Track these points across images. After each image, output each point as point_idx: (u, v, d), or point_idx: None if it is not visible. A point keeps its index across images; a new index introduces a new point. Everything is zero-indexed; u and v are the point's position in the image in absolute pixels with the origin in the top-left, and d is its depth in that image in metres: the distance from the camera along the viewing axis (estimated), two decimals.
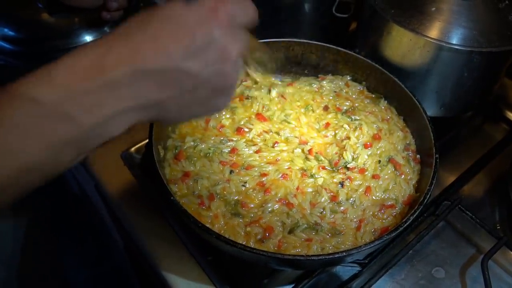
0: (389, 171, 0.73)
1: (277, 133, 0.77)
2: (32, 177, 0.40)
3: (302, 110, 0.81)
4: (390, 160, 0.74)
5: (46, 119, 0.38)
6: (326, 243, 0.64)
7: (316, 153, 0.75)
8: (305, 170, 0.73)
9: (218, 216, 0.66)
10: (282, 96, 0.82)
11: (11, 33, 0.97)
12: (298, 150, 0.75)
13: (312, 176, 0.72)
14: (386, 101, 0.83)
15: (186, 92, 0.43)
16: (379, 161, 0.74)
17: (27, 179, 0.40)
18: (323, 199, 0.69)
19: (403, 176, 0.73)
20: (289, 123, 0.78)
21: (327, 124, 0.79)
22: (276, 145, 0.75)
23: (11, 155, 0.38)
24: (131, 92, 0.40)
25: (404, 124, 0.81)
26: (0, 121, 0.37)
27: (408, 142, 0.78)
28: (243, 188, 0.69)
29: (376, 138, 0.76)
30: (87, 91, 0.38)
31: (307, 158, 0.74)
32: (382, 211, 0.69)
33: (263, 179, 0.71)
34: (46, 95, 0.38)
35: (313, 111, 0.81)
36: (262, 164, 0.73)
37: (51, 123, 0.38)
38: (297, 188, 0.70)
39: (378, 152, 0.75)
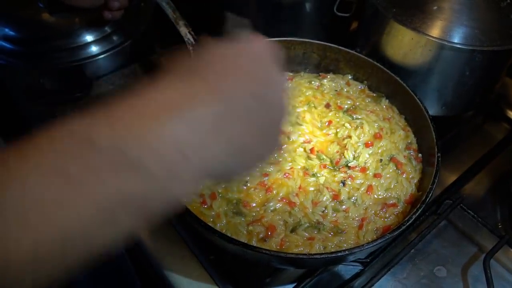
0: (390, 170, 0.73)
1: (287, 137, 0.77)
2: (74, 252, 0.31)
3: (305, 107, 0.81)
4: (392, 159, 0.74)
5: (110, 167, 0.31)
6: (328, 241, 0.64)
7: (318, 151, 0.75)
8: (307, 169, 0.73)
9: (220, 215, 0.66)
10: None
11: (11, 32, 0.97)
12: (301, 149, 0.75)
13: (314, 175, 0.72)
14: (387, 100, 0.83)
15: (260, 128, 0.40)
16: (381, 160, 0.74)
17: (68, 254, 0.31)
18: (325, 198, 0.69)
19: (404, 175, 0.73)
20: (300, 125, 0.78)
21: (330, 122, 0.79)
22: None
23: (56, 217, 0.29)
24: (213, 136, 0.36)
25: (406, 123, 0.81)
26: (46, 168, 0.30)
27: (409, 141, 0.78)
28: (244, 187, 0.69)
29: (377, 137, 0.76)
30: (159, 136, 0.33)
31: (308, 157, 0.74)
32: (384, 210, 0.69)
33: (264, 178, 0.71)
34: (107, 139, 0.31)
35: (315, 107, 0.81)
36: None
37: (115, 172, 0.31)
38: (299, 187, 0.70)
39: (380, 151, 0.75)
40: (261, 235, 0.64)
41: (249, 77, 0.39)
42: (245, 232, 0.65)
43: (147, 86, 0.36)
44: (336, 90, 0.85)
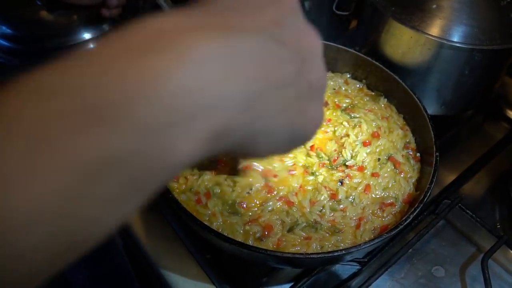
0: (388, 169, 0.72)
1: None
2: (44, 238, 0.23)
3: None
4: (390, 158, 0.73)
5: (81, 120, 0.23)
6: (325, 241, 0.64)
7: (317, 149, 0.74)
8: (307, 167, 0.72)
9: (216, 214, 0.65)
10: None
11: (9, 31, 0.97)
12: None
13: (313, 173, 0.72)
14: (386, 99, 0.83)
15: (289, 81, 0.32)
16: (378, 159, 0.73)
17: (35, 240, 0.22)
18: (322, 197, 0.69)
19: (402, 175, 0.72)
20: None
21: (329, 120, 0.79)
22: None
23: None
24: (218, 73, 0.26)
25: (404, 122, 0.80)
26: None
27: (408, 140, 0.78)
28: (247, 194, 0.68)
29: (375, 136, 0.76)
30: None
31: (308, 155, 0.74)
32: (382, 209, 0.68)
33: (274, 179, 0.70)
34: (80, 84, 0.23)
35: None
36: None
37: (90, 127, 0.23)
38: (300, 186, 0.70)
39: (377, 150, 0.74)
40: (258, 235, 0.64)
41: (264, 10, 0.32)
42: (241, 231, 0.64)
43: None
44: (334, 89, 0.85)
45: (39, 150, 0.22)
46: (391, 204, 0.69)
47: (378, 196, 0.70)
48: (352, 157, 0.73)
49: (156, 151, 0.24)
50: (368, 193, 0.70)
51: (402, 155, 0.74)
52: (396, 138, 0.76)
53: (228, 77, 0.27)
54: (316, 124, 0.37)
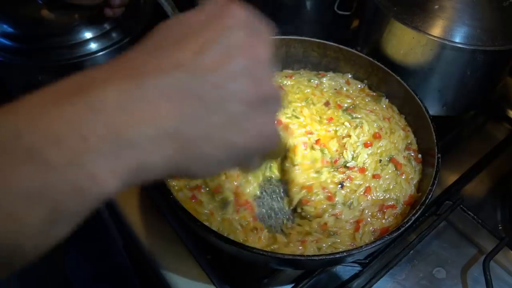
0: (389, 171, 0.72)
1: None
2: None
3: (303, 103, 0.80)
4: (391, 159, 0.73)
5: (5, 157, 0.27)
6: (322, 242, 0.64)
7: (321, 145, 0.74)
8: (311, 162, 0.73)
9: (214, 213, 0.65)
10: (281, 87, 0.82)
11: (10, 29, 0.96)
12: (305, 138, 0.75)
13: (318, 171, 0.71)
14: (387, 100, 0.83)
15: (212, 108, 0.32)
16: (380, 161, 0.73)
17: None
18: (318, 197, 0.69)
19: (404, 176, 0.72)
20: (297, 118, 0.78)
21: (330, 119, 0.78)
22: None
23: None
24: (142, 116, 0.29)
25: (406, 123, 0.80)
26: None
27: (409, 141, 0.77)
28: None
29: (376, 137, 0.75)
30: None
31: (312, 148, 0.74)
32: (382, 211, 0.68)
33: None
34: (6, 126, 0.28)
35: (313, 104, 0.81)
36: None
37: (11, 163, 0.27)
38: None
39: (379, 151, 0.74)
40: (255, 230, 0.64)
41: (190, 41, 0.32)
42: (240, 228, 0.64)
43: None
44: (335, 89, 0.85)
45: None
46: (392, 206, 0.68)
47: (379, 198, 0.70)
48: (353, 158, 0.73)
49: (70, 186, 0.28)
50: (368, 195, 0.69)
51: (404, 157, 0.74)
52: (397, 139, 0.76)
53: (135, 117, 0.29)
54: (263, 135, 0.36)
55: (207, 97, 0.31)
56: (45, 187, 0.27)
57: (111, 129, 0.28)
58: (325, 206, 0.68)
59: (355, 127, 0.76)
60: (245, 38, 0.33)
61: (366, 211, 0.68)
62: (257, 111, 0.34)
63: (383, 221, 0.67)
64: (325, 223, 0.67)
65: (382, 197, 0.70)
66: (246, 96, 0.33)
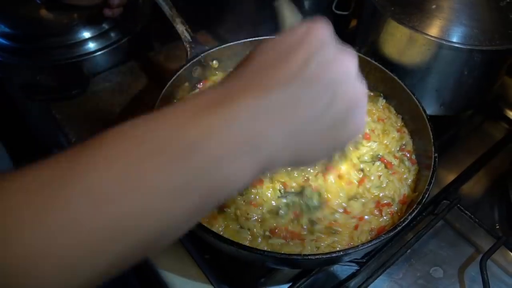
0: (379, 168, 0.73)
1: None
2: (127, 243, 0.33)
3: None
4: (380, 158, 0.74)
5: (167, 153, 0.33)
6: (321, 242, 0.64)
7: None
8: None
9: (216, 216, 0.65)
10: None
11: (9, 29, 0.97)
12: None
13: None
14: (384, 100, 0.83)
15: (323, 111, 0.38)
16: (365, 159, 0.74)
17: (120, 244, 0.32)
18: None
19: (396, 176, 0.72)
20: None
21: None
22: None
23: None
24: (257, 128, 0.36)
25: (402, 124, 0.80)
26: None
27: (404, 142, 0.77)
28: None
29: (365, 138, 0.76)
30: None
31: None
32: (379, 209, 0.68)
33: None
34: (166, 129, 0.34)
35: None
36: None
37: (173, 159, 0.33)
38: None
39: (364, 151, 0.74)
40: (267, 233, 0.64)
41: (302, 60, 0.38)
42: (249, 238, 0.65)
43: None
44: None
45: (132, 173, 0.32)
46: (388, 205, 0.69)
47: (374, 194, 0.70)
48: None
49: (215, 178, 0.35)
50: (361, 186, 0.70)
51: (396, 157, 0.74)
52: (391, 140, 0.76)
53: (265, 124, 0.36)
54: (357, 130, 0.43)
55: (318, 102, 0.38)
56: (194, 182, 0.33)
57: (245, 136, 0.35)
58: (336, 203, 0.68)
59: None
60: (335, 53, 0.40)
61: (365, 207, 0.68)
62: (355, 111, 0.41)
63: (380, 219, 0.67)
64: (335, 221, 0.67)
65: (377, 193, 0.70)
66: (347, 98, 0.40)
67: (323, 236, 0.64)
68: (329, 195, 0.69)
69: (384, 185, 0.71)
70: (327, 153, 0.44)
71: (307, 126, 0.38)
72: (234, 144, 0.34)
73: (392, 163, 0.73)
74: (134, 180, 0.31)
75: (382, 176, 0.72)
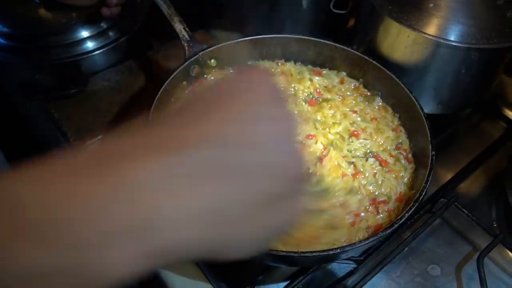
0: (374, 166, 0.73)
1: None
2: None
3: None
4: (374, 156, 0.74)
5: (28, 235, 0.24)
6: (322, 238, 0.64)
7: None
8: None
9: None
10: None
11: (7, 28, 0.97)
12: None
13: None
14: (381, 100, 0.83)
15: (253, 185, 0.29)
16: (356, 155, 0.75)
17: None
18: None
19: (393, 174, 0.73)
20: None
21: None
22: None
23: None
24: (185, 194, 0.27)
25: (399, 123, 0.80)
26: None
27: (400, 141, 0.78)
28: None
29: (353, 135, 0.77)
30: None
31: None
32: (375, 206, 0.68)
33: None
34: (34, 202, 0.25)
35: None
36: None
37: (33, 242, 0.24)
38: None
39: (352, 149, 0.75)
40: None
41: (244, 115, 0.30)
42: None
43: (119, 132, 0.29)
44: (325, 86, 0.85)
45: None
46: (384, 202, 0.69)
47: (370, 191, 0.70)
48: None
49: (87, 267, 0.25)
50: (356, 180, 0.71)
51: (392, 155, 0.75)
52: (385, 139, 0.77)
53: (163, 197, 0.26)
54: (294, 215, 0.34)
55: (250, 173, 0.29)
56: (57, 274, 0.25)
57: (130, 216, 0.26)
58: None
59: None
60: (275, 114, 0.32)
61: (360, 204, 0.68)
62: (293, 191, 0.32)
63: (377, 217, 0.68)
64: (334, 216, 0.66)
65: (372, 190, 0.70)
66: (284, 174, 0.31)
67: (323, 231, 0.65)
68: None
69: (380, 182, 0.71)
70: (255, 244, 0.33)
71: (225, 205, 0.28)
72: (112, 226, 0.25)
73: (388, 161, 0.74)
74: None
75: (377, 174, 0.72)
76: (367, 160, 0.74)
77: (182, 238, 0.27)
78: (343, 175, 0.71)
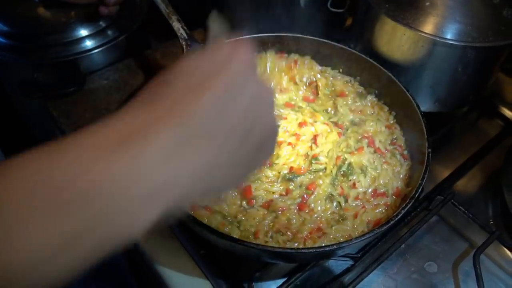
0: (368, 152, 0.75)
1: None
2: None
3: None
4: (369, 142, 0.76)
5: (58, 202, 0.30)
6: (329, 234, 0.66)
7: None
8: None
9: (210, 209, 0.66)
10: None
11: (6, 27, 0.97)
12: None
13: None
14: (372, 96, 0.84)
15: (240, 139, 0.37)
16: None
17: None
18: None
19: (389, 166, 0.74)
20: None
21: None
22: None
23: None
24: (175, 159, 0.33)
25: (394, 120, 0.81)
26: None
27: (395, 137, 0.78)
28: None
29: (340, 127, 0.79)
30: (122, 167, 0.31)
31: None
32: (376, 196, 0.70)
33: None
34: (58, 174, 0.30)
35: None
36: None
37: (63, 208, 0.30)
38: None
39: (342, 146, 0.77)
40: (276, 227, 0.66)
41: (222, 89, 0.35)
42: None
43: (106, 118, 0.34)
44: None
45: (24, 221, 0.29)
46: (383, 194, 0.70)
47: (372, 176, 0.72)
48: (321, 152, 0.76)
49: (118, 224, 0.32)
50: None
51: (387, 149, 0.76)
52: (377, 133, 0.78)
53: (177, 162, 0.33)
54: (269, 154, 0.44)
55: (235, 134, 0.37)
56: (88, 232, 0.30)
57: (153, 182, 0.32)
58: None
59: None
60: (256, 84, 0.39)
61: (363, 196, 0.70)
62: (269, 139, 0.42)
63: (376, 211, 0.68)
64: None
65: (373, 176, 0.72)
66: (264, 130, 0.40)
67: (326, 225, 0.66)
68: None
69: (379, 170, 0.72)
70: (241, 179, 0.44)
71: (222, 159, 0.36)
72: (138, 190, 0.31)
73: (382, 150, 0.76)
74: (20, 229, 0.29)
75: (375, 161, 0.74)
76: (361, 142, 0.76)
77: (190, 190, 0.35)
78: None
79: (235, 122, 0.36)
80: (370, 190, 0.71)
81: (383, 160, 0.74)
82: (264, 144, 0.41)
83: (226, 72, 0.36)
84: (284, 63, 0.85)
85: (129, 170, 0.31)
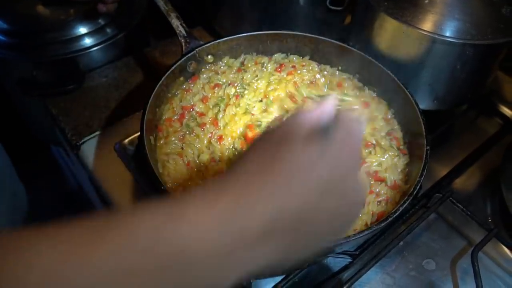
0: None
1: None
2: None
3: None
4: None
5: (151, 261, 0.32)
6: None
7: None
8: None
9: None
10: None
11: (5, 25, 0.97)
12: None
13: None
14: (367, 88, 0.84)
15: (314, 232, 0.39)
16: None
17: None
18: None
19: (388, 152, 0.74)
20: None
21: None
22: None
23: None
24: (268, 243, 0.35)
25: (393, 116, 0.81)
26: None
27: (392, 128, 0.78)
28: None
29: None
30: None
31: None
32: (378, 181, 0.70)
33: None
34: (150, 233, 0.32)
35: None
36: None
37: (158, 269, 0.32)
38: None
39: None
40: None
41: (314, 177, 0.37)
42: None
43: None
44: (310, 81, 0.85)
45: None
46: (383, 180, 0.70)
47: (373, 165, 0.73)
48: None
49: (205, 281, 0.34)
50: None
51: (384, 138, 0.77)
52: (375, 123, 0.79)
53: (259, 241, 0.34)
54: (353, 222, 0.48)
55: (319, 221, 0.38)
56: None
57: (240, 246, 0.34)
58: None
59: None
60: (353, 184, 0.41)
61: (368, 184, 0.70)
62: (355, 207, 0.43)
63: (378, 205, 0.69)
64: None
65: (376, 164, 0.73)
66: (351, 200, 0.41)
67: None
68: None
69: (379, 156, 0.73)
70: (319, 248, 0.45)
71: (300, 236, 0.38)
72: (226, 256, 0.33)
73: (379, 140, 0.76)
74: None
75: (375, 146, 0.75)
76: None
77: (266, 260, 0.36)
78: None
79: (328, 196, 0.38)
80: (373, 169, 0.71)
81: (380, 148, 0.75)
82: (350, 213, 0.43)
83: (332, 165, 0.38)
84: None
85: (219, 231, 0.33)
